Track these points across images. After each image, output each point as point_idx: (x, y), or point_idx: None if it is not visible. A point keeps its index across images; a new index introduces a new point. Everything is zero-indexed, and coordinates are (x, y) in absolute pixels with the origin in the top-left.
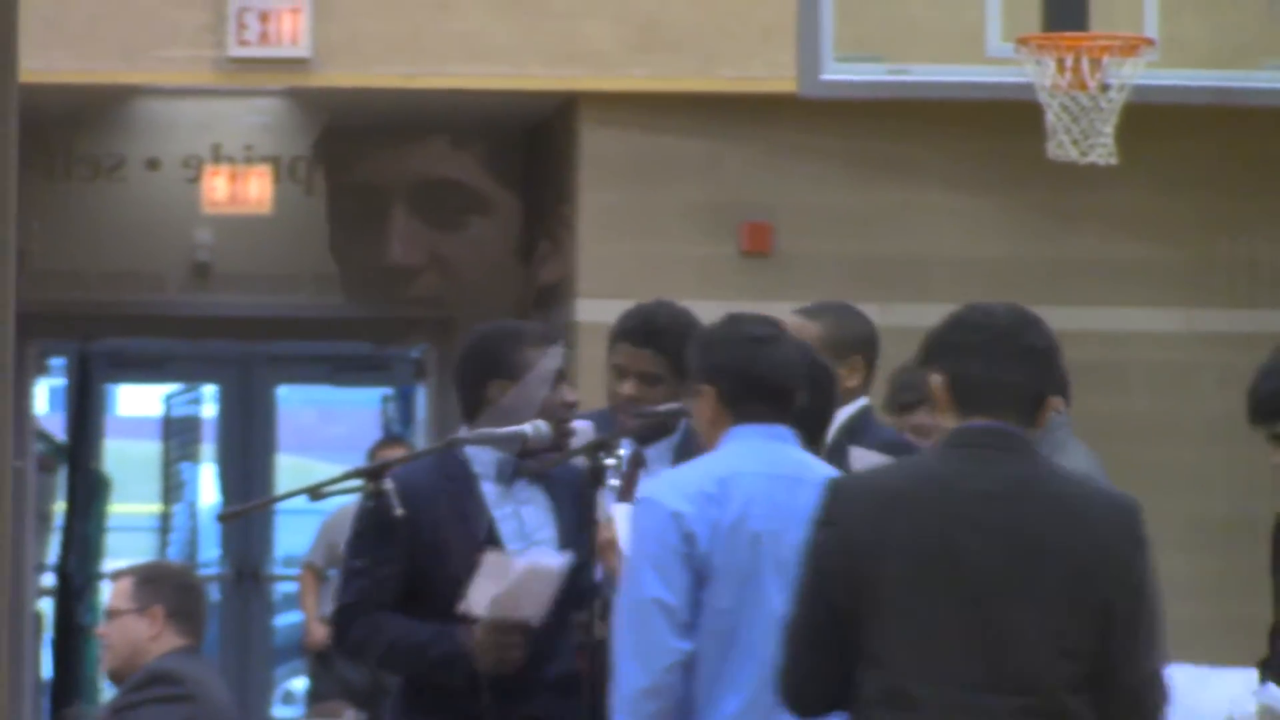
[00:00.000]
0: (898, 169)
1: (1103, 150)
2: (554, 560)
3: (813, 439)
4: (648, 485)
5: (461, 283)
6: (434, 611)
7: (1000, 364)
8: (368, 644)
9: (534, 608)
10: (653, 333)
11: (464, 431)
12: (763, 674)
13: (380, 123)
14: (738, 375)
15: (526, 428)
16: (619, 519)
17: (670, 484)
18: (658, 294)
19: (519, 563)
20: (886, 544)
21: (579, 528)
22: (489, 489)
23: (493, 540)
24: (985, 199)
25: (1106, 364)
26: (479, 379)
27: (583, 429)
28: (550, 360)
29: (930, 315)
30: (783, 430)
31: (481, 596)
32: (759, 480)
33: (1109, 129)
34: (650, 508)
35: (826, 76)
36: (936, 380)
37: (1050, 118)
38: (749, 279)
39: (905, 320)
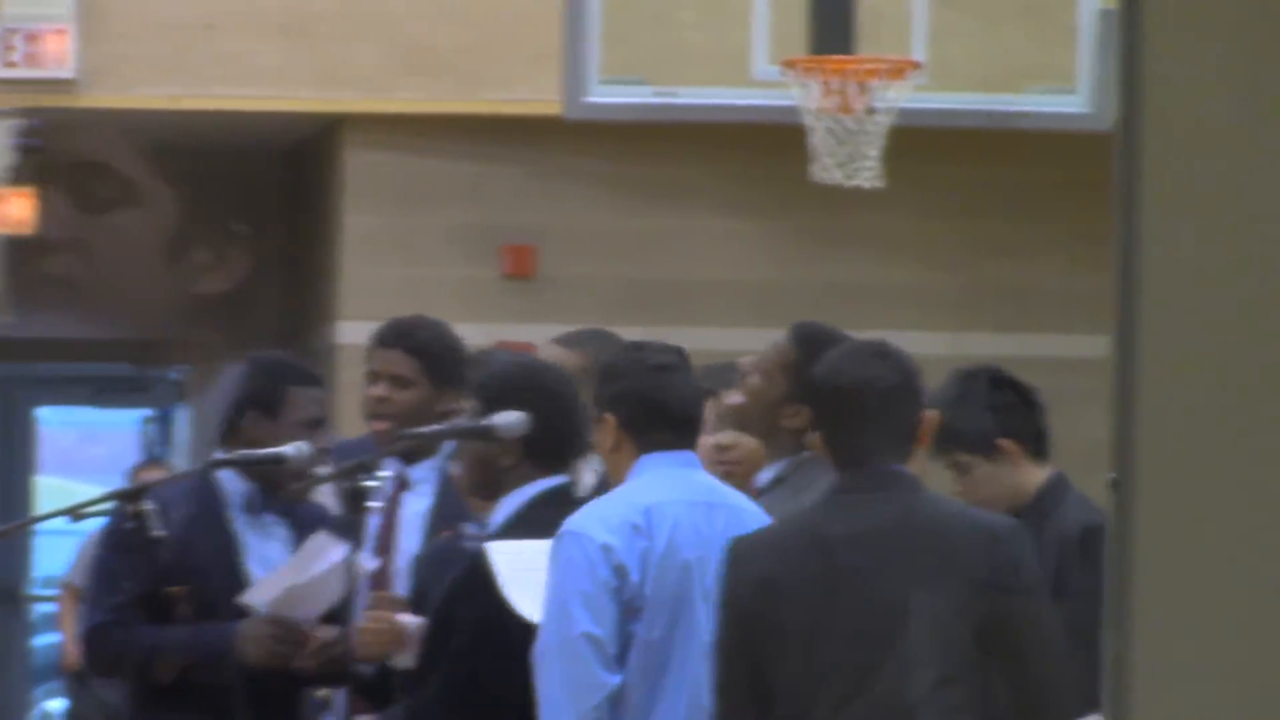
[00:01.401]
0: (664, 192)
1: (869, 173)
2: (338, 560)
3: (562, 460)
4: (572, 519)
5: (101, 266)
6: None
7: (854, 414)
8: (126, 655)
9: (314, 609)
10: (403, 334)
11: (220, 455)
12: (692, 704)
13: (140, 144)
14: (640, 404)
15: (288, 449)
16: (502, 563)
17: (595, 516)
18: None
19: (313, 565)
20: (770, 596)
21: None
22: (239, 519)
23: (240, 571)
24: (752, 222)
25: None
26: (237, 407)
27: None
28: (312, 406)
29: (696, 339)
30: (690, 456)
31: (266, 591)
32: (681, 508)
33: (875, 152)
34: (578, 541)
35: (591, 99)
36: (816, 439)
37: (815, 141)
38: (511, 301)
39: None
